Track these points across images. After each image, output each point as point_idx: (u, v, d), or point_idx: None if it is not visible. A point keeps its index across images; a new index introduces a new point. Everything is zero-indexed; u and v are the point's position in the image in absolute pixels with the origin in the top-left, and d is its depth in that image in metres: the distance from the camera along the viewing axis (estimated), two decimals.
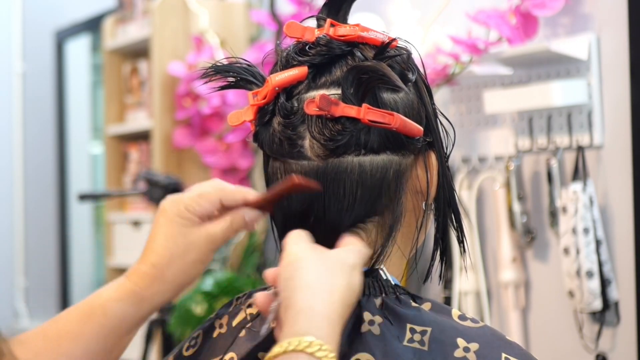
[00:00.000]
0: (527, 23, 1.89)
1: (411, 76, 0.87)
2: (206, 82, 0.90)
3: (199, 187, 0.88)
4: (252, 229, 0.89)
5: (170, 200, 0.88)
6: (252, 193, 0.88)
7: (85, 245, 4.24)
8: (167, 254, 0.86)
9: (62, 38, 4.18)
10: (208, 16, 2.94)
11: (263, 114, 0.87)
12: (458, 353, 0.81)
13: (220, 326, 0.91)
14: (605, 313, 1.85)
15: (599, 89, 1.88)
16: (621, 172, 1.84)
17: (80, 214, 4.19)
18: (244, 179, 2.88)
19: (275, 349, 0.74)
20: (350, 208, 0.84)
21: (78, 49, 4.23)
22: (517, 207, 2.01)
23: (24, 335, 0.88)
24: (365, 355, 0.81)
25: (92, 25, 3.85)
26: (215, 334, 0.91)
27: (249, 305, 0.91)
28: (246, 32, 3.03)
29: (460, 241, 0.91)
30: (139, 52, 3.24)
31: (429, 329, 0.82)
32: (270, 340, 0.85)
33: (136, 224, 3.20)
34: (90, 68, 4.28)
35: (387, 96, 0.84)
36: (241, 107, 0.91)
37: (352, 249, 0.82)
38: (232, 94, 2.74)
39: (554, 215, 1.94)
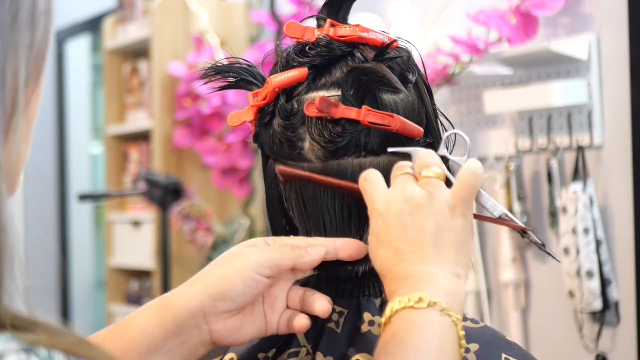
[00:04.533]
0: (527, 23, 1.89)
1: (411, 77, 0.86)
2: (206, 83, 0.90)
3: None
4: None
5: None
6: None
7: (85, 245, 4.24)
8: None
9: (62, 38, 4.18)
10: (208, 16, 2.94)
11: (263, 115, 0.87)
12: None
13: None
14: (605, 313, 1.85)
15: (599, 89, 1.88)
16: (621, 172, 1.84)
17: (80, 214, 4.19)
18: (244, 179, 2.88)
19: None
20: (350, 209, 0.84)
21: (78, 49, 4.23)
22: (517, 207, 2.01)
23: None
24: (364, 356, 0.81)
25: (92, 25, 3.85)
26: None
27: None
28: (246, 32, 3.03)
29: None
30: (139, 52, 3.25)
31: None
32: (270, 340, 0.85)
33: (136, 224, 3.20)
34: (90, 68, 4.29)
35: (387, 97, 0.84)
36: (241, 107, 0.91)
37: (434, 189, 0.77)
38: (232, 94, 2.74)
39: (554, 215, 1.94)
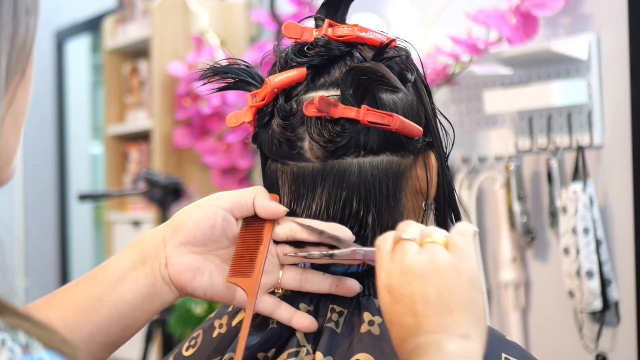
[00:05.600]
0: (527, 23, 1.89)
1: (410, 76, 0.86)
2: (205, 84, 0.90)
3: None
4: None
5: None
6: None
7: (85, 245, 4.24)
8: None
9: (62, 38, 4.18)
10: (208, 16, 2.94)
11: (262, 116, 0.87)
12: None
13: (220, 326, 0.91)
14: (605, 313, 1.85)
15: (599, 89, 1.88)
16: (621, 172, 1.84)
17: (80, 214, 4.19)
18: (244, 179, 2.88)
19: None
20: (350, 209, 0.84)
21: (78, 49, 4.23)
22: (517, 207, 2.01)
23: None
24: (364, 356, 0.81)
25: (92, 25, 3.86)
26: (215, 334, 0.91)
27: None
28: (246, 32, 3.03)
29: None
30: (139, 52, 3.25)
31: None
32: (270, 340, 0.85)
33: (136, 224, 3.20)
34: (90, 68, 4.29)
35: (386, 97, 0.84)
36: (241, 107, 0.91)
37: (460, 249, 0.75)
38: (232, 94, 2.74)
39: (554, 215, 1.94)
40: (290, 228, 0.84)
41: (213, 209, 0.84)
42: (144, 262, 0.85)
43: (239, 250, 0.85)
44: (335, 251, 0.82)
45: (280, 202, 0.87)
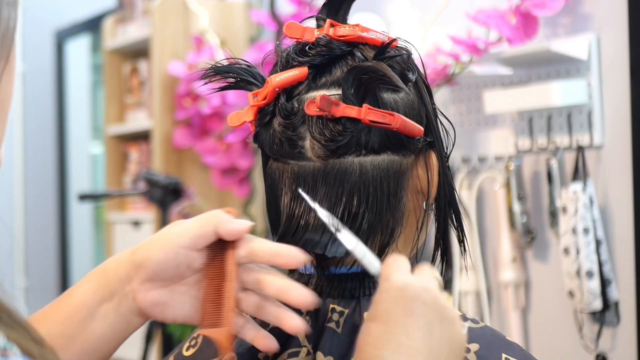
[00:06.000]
0: (527, 23, 1.89)
1: (411, 76, 0.87)
2: (206, 83, 0.90)
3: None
4: None
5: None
6: None
7: (85, 245, 4.24)
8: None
9: (62, 38, 4.18)
10: (208, 16, 2.94)
11: (263, 115, 0.87)
12: None
13: None
14: (605, 313, 1.85)
15: (599, 89, 1.88)
16: (621, 172, 1.84)
17: (80, 214, 4.19)
18: (244, 179, 2.88)
19: None
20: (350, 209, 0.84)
21: (78, 49, 4.23)
22: (517, 207, 2.01)
23: None
24: None
25: (92, 25, 3.86)
26: None
27: None
28: (246, 32, 3.03)
29: (461, 241, 0.91)
30: (139, 52, 3.25)
31: None
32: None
33: (136, 224, 3.20)
34: (90, 68, 4.29)
35: (387, 96, 0.84)
36: (241, 107, 0.91)
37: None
38: (232, 94, 2.74)
39: (554, 215, 1.94)
40: (249, 252, 0.81)
41: (174, 250, 0.81)
42: (111, 296, 0.83)
43: (207, 293, 0.82)
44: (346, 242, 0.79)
45: (280, 201, 0.87)
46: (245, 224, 0.81)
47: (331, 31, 0.86)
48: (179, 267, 0.82)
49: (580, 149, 1.88)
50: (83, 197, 2.81)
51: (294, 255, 0.79)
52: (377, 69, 0.82)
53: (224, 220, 0.81)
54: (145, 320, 0.85)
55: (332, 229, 0.79)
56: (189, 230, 0.81)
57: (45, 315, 0.84)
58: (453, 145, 0.91)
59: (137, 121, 3.24)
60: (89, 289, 0.84)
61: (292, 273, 0.91)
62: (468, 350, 0.82)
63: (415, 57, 0.89)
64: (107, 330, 0.83)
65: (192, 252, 0.81)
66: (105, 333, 0.83)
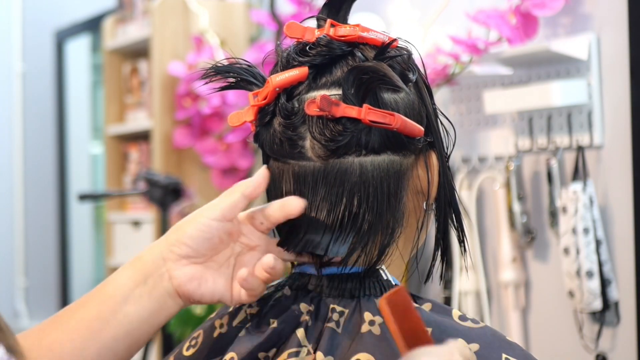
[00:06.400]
0: (527, 23, 1.89)
1: (412, 76, 0.87)
2: (206, 83, 0.90)
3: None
4: None
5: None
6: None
7: (85, 245, 4.24)
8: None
9: (62, 38, 4.18)
10: (208, 16, 2.94)
11: (264, 115, 0.87)
12: None
13: (221, 326, 0.91)
14: (605, 313, 1.85)
15: (599, 89, 1.88)
16: (621, 172, 1.84)
17: (80, 214, 4.19)
18: (244, 179, 2.88)
19: None
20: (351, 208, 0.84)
21: (78, 49, 4.23)
22: (517, 207, 2.01)
23: None
24: (365, 355, 0.81)
25: (92, 25, 3.86)
26: (215, 334, 0.91)
27: (250, 305, 0.91)
28: (246, 32, 3.03)
29: (461, 241, 0.92)
30: (139, 52, 3.25)
31: (429, 330, 0.82)
32: (270, 340, 0.85)
33: (136, 224, 3.20)
34: (90, 68, 4.29)
35: (387, 96, 0.84)
36: (241, 107, 0.92)
37: None
38: (232, 94, 2.74)
39: (554, 215, 1.94)
40: (264, 216, 0.87)
41: (206, 223, 0.86)
42: (145, 279, 0.86)
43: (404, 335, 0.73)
44: None
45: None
46: (261, 172, 0.87)
47: (332, 31, 0.86)
48: (212, 239, 0.86)
49: (580, 149, 1.88)
50: (83, 197, 2.81)
51: (295, 202, 0.84)
52: (378, 69, 0.82)
53: (245, 184, 0.87)
54: (179, 304, 0.88)
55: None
56: (217, 204, 0.86)
57: (86, 299, 0.87)
58: (453, 145, 0.91)
59: (137, 121, 3.24)
60: (124, 274, 0.87)
61: (294, 271, 0.91)
62: None
63: (415, 57, 0.89)
64: (141, 313, 0.86)
65: (224, 223, 0.86)
66: (140, 316, 0.86)
